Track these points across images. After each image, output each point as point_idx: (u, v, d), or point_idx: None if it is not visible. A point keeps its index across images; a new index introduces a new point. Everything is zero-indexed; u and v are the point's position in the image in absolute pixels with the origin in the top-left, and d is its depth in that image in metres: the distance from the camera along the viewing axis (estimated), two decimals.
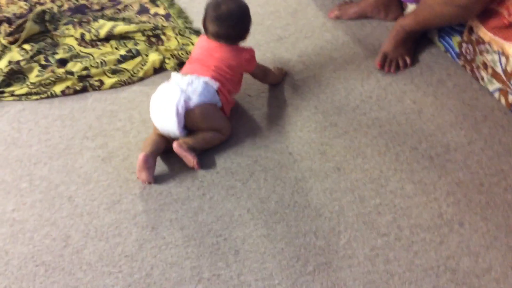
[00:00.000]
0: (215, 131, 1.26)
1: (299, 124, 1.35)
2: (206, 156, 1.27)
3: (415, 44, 1.53)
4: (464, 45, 1.42)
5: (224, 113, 1.31)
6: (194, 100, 1.21)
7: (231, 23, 1.27)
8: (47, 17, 1.69)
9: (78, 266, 1.08)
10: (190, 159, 1.21)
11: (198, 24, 1.73)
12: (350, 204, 1.15)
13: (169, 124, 1.21)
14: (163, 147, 1.24)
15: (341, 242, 1.07)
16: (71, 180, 1.25)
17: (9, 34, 1.65)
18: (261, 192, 1.19)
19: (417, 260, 1.03)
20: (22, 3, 1.85)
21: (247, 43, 1.37)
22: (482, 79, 1.39)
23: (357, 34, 1.63)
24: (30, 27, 1.65)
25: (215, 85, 1.25)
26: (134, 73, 1.52)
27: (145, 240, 1.11)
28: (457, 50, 1.45)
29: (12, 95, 1.48)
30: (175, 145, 1.20)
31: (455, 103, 1.36)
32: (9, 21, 1.69)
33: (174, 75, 1.27)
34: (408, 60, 1.48)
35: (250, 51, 1.34)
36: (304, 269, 1.04)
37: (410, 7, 1.59)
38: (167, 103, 1.20)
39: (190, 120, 1.22)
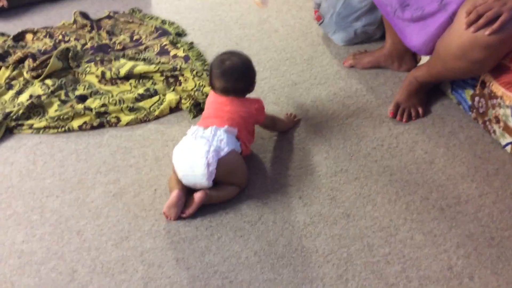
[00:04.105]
0: (235, 183, 1.27)
1: (310, 168, 1.36)
2: None
3: (427, 95, 1.55)
4: (476, 98, 1.43)
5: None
6: (225, 149, 1.23)
7: (237, 77, 1.31)
8: (70, 54, 1.76)
9: None
10: (192, 209, 1.22)
11: None
12: (359, 252, 1.13)
13: (199, 177, 1.21)
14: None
15: None
16: (81, 214, 1.26)
17: (33, 69, 1.71)
18: (269, 235, 1.18)
19: None
20: (47, 40, 1.93)
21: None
22: (494, 132, 1.39)
23: (370, 83, 1.66)
24: (53, 63, 1.71)
25: (234, 130, 1.28)
26: (151, 111, 1.56)
27: (150, 278, 1.11)
28: (470, 102, 1.47)
29: (31, 128, 1.52)
30: (200, 195, 1.21)
31: (467, 155, 1.36)
32: (33, 56, 1.76)
33: (194, 128, 1.28)
34: (420, 110, 1.50)
35: (259, 102, 1.37)
36: None
37: (424, 59, 1.62)
38: (195, 156, 1.21)
39: (221, 169, 1.22)
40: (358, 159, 1.38)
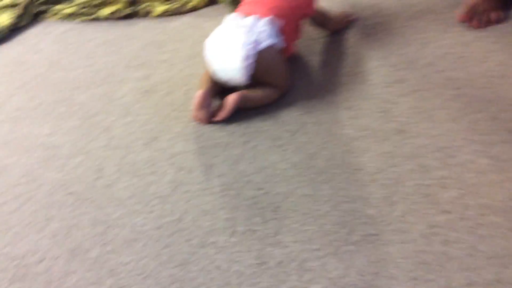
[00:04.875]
0: (274, 84, 1.13)
1: (362, 75, 1.20)
2: None
3: None
4: None
5: (284, 55, 1.18)
6: (265, 42, 1.08)
7: None
8: None
9: (108, 200, 1.02)
10: (226, 112, 1.10)
11: None
12: (410, 172, 1.01)
13: (234, 71, 1.08)
14: (220, 84, 1.14)
15: (394, 214, 0.95)
16: (110, 110, 1.18)
17: None
18: (310, 147, 1.07)
19: (481, 246, 0.90)
20: None
21: None
22: None
23: None
24: None
25: (278, 23, 1.12)
26: (186, 2, 1.40)
27: (180, 182, 1.04)
28: None
29: (58, 14, 1.40)
30: (235, 97, 1.09)
31: None
32: None
33: (232, 16, 1.13)
34: (498, 15, 1.27)
35: None
36: (348, 237, 0.93)
37: None
38: (232, 46, 1.07)
39: (259, 64, 1.08)
40: (418, 68, 1.20)
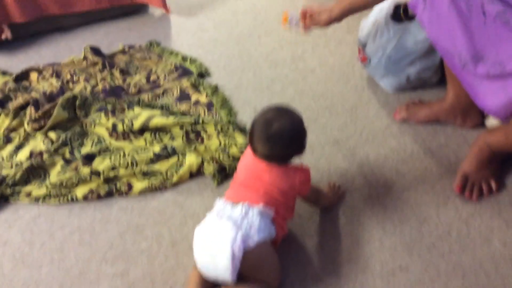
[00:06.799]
0: (263, 281, 1.03)
1: (361, 263, 1.10)
2: None
3: (500, 164, 1.28)
4: None
5: (276, 243, 1.08)
6: (254, 238, 0.99)
7: (284, 143, 1.05)
8: (77, 102, 1.53)
9: None
10: None
11: (242, 116, 1.54)
12: None
13: (221, 270, 0.98)
14: (210, 286, 1.03)
15: None
16: None
17: (35, 120, 1.50)
18: None
19: None
20: (53, 80, 1.72)
21: None
22: None
23: (428, 142, 1.39)
24: (58, 113, 1.49)
25: (270, 212, 1.04)
26: (168, 177, 1.32)
27: None
28: None
29: (29, 196, 1.30)
30: None
31: None
32: (36, 104, 1.54)
33: (221, 204, 1.05)
34: (493, 184, 1.23)
35: (305, 172, 1.12)
36: None
37: None
38: (219, 243, 0.97)
39: (246, 263, 0.98)
40: (420, 252, 1.12)
